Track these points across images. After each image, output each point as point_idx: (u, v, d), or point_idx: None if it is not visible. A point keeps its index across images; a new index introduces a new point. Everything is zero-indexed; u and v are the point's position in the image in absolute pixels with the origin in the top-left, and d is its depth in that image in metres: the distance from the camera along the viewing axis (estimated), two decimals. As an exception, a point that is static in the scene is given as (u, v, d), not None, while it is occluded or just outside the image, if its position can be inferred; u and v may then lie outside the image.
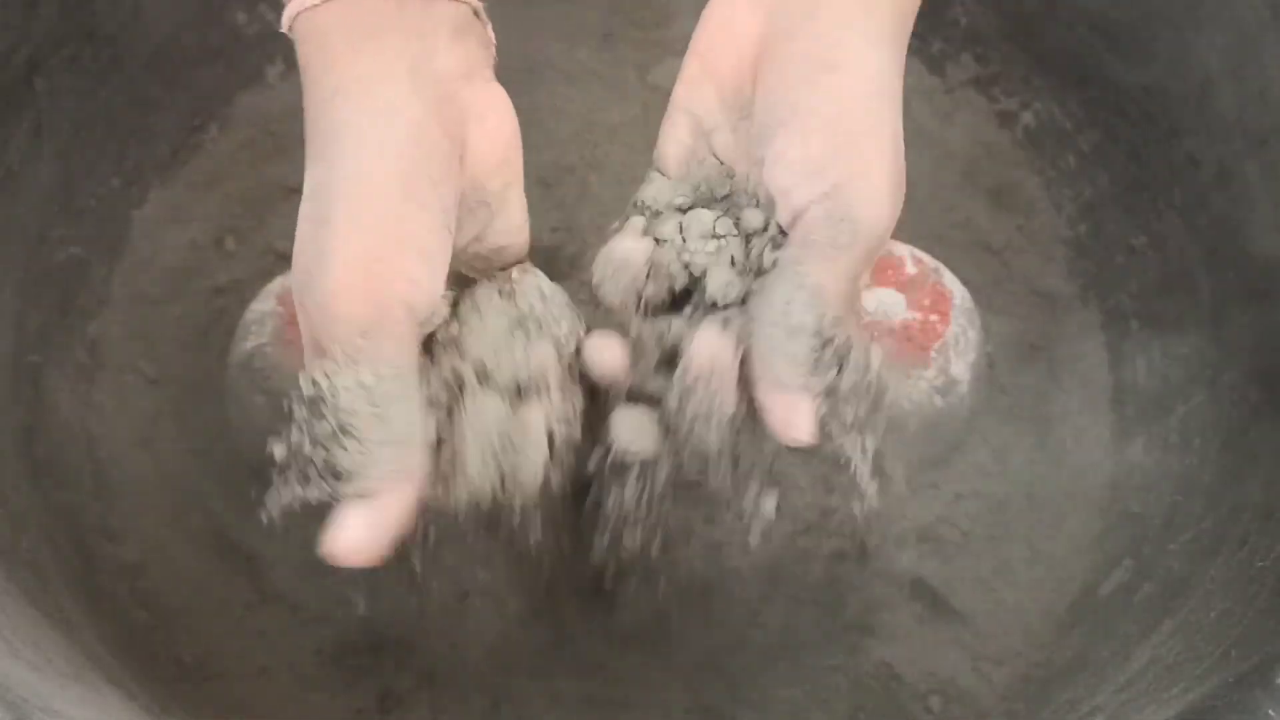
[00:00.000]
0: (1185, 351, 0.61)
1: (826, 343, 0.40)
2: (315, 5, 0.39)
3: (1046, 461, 0.64)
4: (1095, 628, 0.58)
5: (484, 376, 0.42)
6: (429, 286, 0.39)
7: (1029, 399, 0.66)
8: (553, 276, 0.67)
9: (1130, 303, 0.65)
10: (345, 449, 0.37)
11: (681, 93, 0.43)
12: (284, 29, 0.41)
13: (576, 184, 0.70)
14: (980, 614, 0.61)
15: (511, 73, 0.72)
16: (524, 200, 0.44)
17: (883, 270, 0.62)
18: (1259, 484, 0.53)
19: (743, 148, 0.43)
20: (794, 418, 0.40)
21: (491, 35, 0.43)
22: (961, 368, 0.60)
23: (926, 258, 0.63)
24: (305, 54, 0.40)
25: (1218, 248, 0.60)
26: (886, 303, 0.61)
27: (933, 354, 0.60)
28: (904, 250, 0.62)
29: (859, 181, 0.38)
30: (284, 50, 0.70)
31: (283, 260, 0.68)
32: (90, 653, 0.51)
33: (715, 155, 0.43)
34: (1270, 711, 0.39)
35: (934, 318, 0.60)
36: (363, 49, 0.39)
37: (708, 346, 0.41)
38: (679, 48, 0.73)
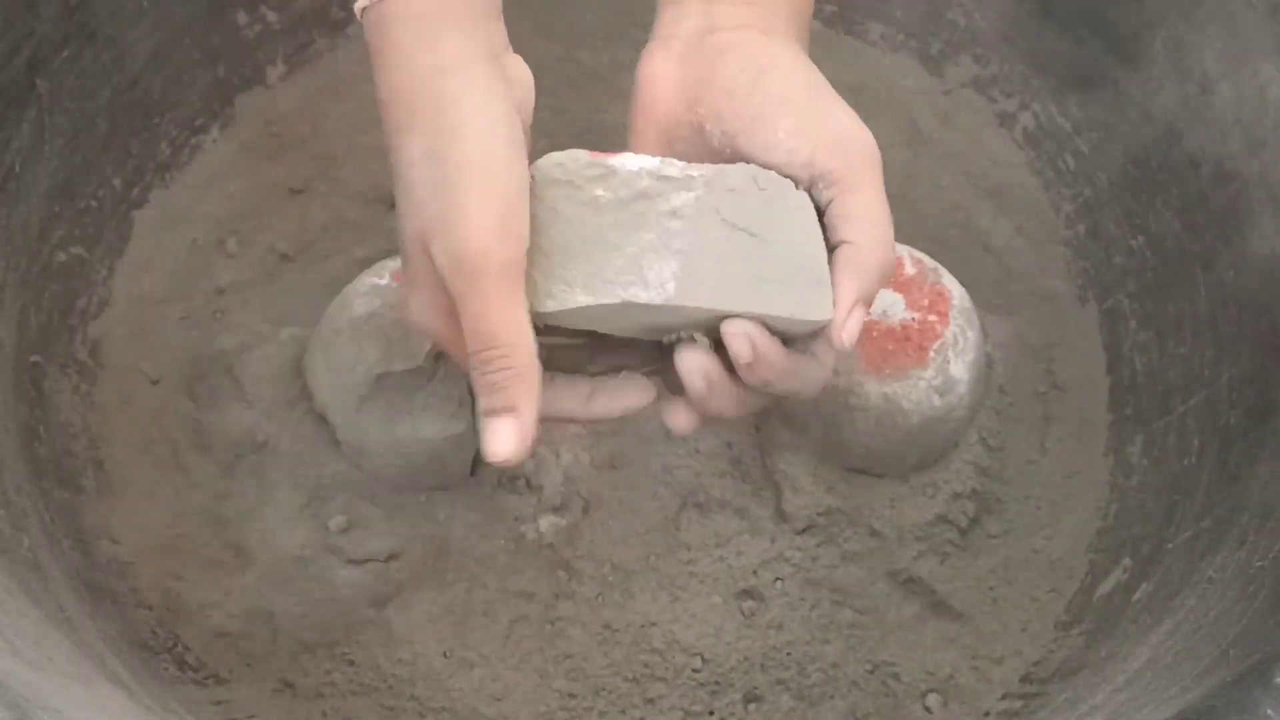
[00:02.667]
0: (1184, 351, 0.62)
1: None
2: None
3: (1046, 461, 0.64)
4: (1094, 627, 0.58)
5: None
6: (524, 214, 0.46)
7: (1029, 399, 0.66)
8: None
9: (1130, 303, 0.65)
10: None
11: (633, 143, 0.51)
12: (358, 12, 0.47)
13: (576, 184, 0.70)
14: (979, 614, 0.61)
15: (511, 73, 0.73)
16: None
17: (882, 270, 0.62)
18: (1258, 484, 0.53)
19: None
20: (852, 326, 0.46)
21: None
22: (961, 368, 0.60)
23: (926, 258, 0.63)
24: (394, 35, 0.46)
25: (1217, 248, 0.60)
26: (886, 303, 0.61)
27: (932, 354, 0.60)
28: (903, 250, 0.63)
29: (831, 120, 0.48)
30: (284, 51, 0.70)
31: (283, 260, 0.68)
32: (91, 652, 0.51)
33: None
34: (1269, 711, 0.39)
35: (933, 318, 0.61)
36: (452, 33, 0.46)
37: (694, 366, 0.48)
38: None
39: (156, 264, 0.66)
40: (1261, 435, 0.54)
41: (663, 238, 0.45)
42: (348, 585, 0.60)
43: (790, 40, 0.50)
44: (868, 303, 0.47)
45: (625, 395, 0.50)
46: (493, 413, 0.45)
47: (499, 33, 0.48)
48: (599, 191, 0.46)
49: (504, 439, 0.45)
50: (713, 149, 0.49)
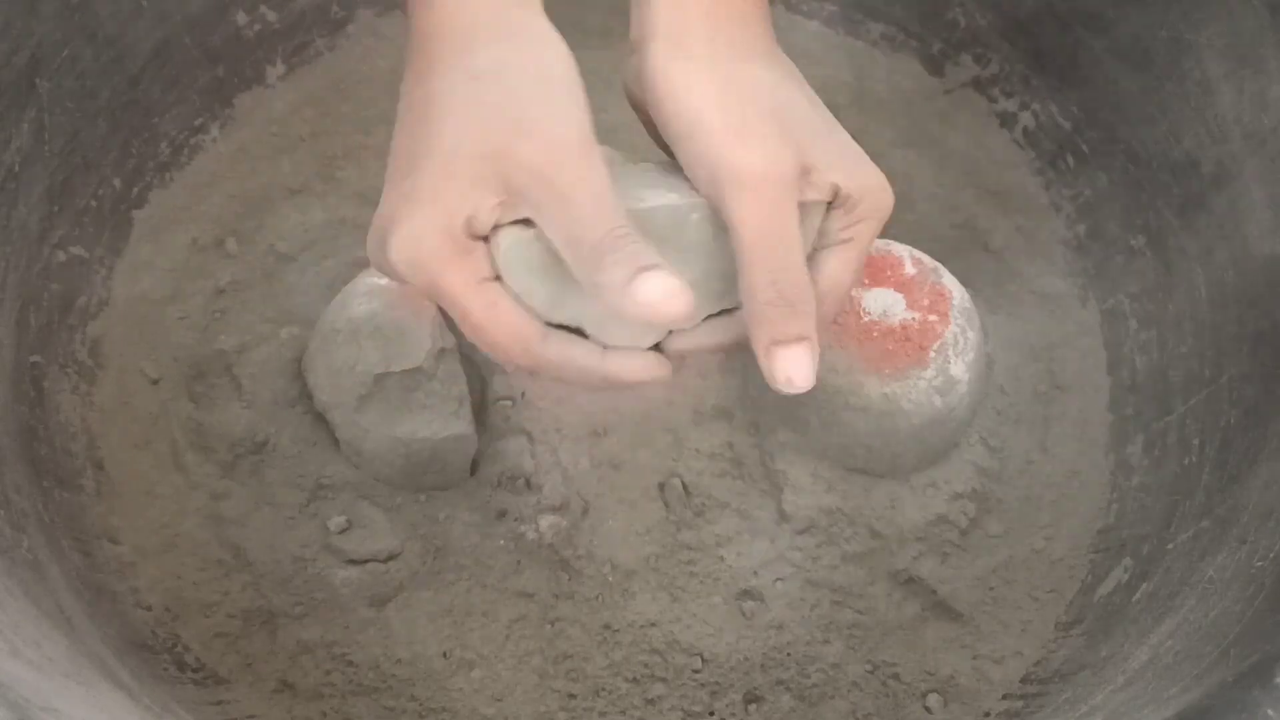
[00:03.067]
0: (1184, 351, 0.62)
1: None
2: None
3: (1046, 461, 0.64)
4: (1094, 627, 0.58)
5: None
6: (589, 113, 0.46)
7: (1029, 399, 0.66)
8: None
9: (1130, 303, 0.65)
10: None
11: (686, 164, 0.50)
12: None
13: (576, 184, 0.70)
14: (980, 614, 0.61)
15: (511, 73, 0.73)
16: None
17: (882, 270, 0.62)
18: (1258, 484, 0.53)
19: None
20: (803, 367, 0.45)
21: None
22: (961, 368, 0.60)
23: (926, 258, 0.63)
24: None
25: (1217, 248, 0.60)
26: (886, 303, 0.61)
27: (932, 354, 0.60)
28: (903, 250, 0.63)
29: (733, 155, 0.46)
30: (284, 51, 0.70)
31: (283, 260, 0.68)
32: (91, 652, 0.51)
33: None
34: (1269, 711, 0.39)
35: (933, 318, 0.61)
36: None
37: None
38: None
39: (156, 264, 0.66)
40: (1261, 435, 0.54)
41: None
42: (347, 585, 0.60)
43: (754, 51, 0.50)
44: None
45: (642, 362, 0.49)
46: (640, 271, 0.42)
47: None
48: None
49: (664, 281, 0.42)
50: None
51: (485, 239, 0.46)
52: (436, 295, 0.45)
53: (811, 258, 0.50)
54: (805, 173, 0.47)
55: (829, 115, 0.51)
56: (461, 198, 0.44)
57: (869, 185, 0.49)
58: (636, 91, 0.51)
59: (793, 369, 0.45)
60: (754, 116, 0.47)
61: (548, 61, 0.45)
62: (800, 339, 0.45)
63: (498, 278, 0.46)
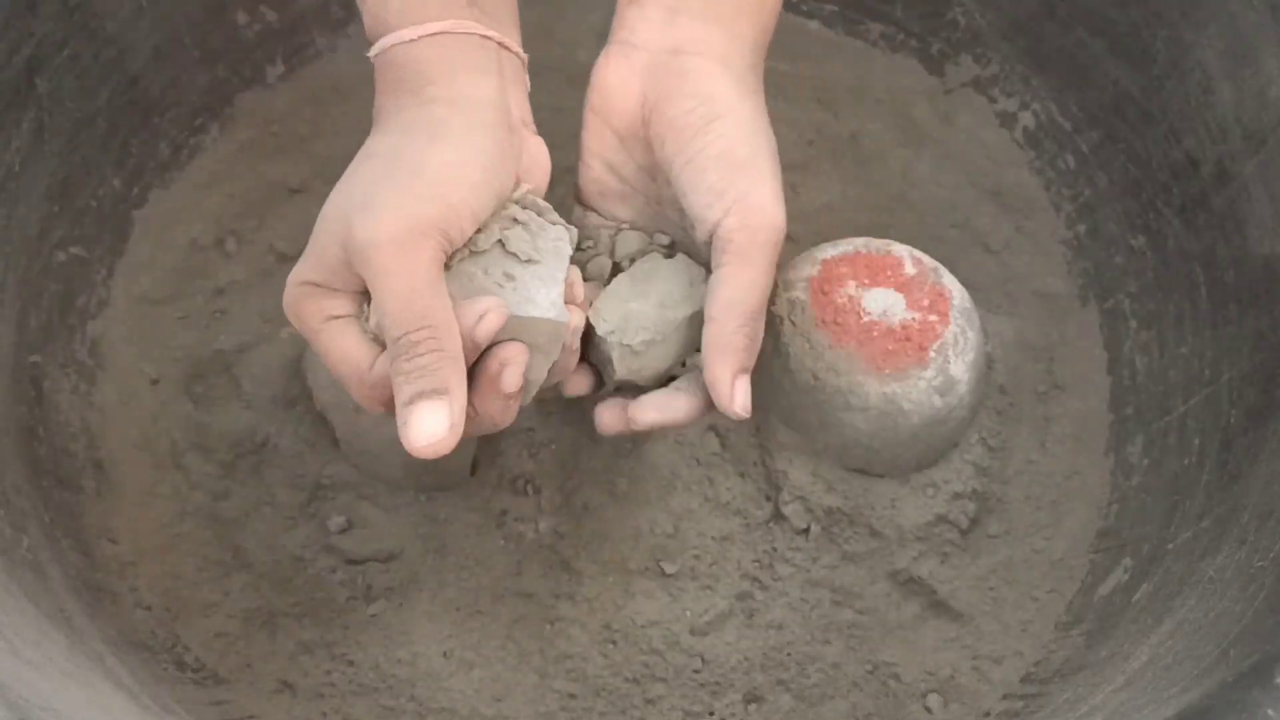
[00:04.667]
0: (1184, 351, 0.62)
1: (754, 327, 0.50)
2: (412, 40, 0.49)
3: (1046, 461, 0.64)
4: (1094, 627, 0.58)
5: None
6: (466, 233, 0.48)
7: (1029, 399, 0.66)
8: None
9: (1130, 303, 0.65)
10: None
11: (588, 140, 0.54)
12: (371, 55, 0.50)
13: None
14: (980, 614, 0.61)
15: (511, 73, 0.73)
16: None
17: (882, 270, 0.62)
18: (1258, 484, 0.53)
19: (643, 181, 0.54)
20: (737, 395, 0.50)
21: (528, 84, 0.54)
22: (961, 368, 0.60)
23: (926, 258, 0.63)
24: (397, 76, 0.50)
25: (1217, 248, 0.60)
26: (886, 303, 0.61)
27: (932, 354, 0.60)
28: (903, 250, 0.63)
29: (751, 196, 0.49)
30: (284, 51, 0.70)
31: (284, 260, 0.68)
32: (91, 652, 0.51)
33: (627, 183, 0.55)
34: (1269, 711, 0.39)
35: (933, 318, 0.60)
36: (463, 75, 0.49)
37: (609, 419, 0.53)
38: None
39: (156, 264, 0.66)
40: (1261, 435, 0.54)
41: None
42: (348, 585, 0.60)
43: (746, 78, 0.52)
44: (745, 370, 0.50)
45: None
46: (420, 396, 0.43)
47: (515, 98, 0.52)
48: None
49: (435, 420, 0.43)
50: (655, 166, 0.53)
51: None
52: (300, 332, 0.49)
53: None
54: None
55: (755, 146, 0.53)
56: (317, 256, 0.47)
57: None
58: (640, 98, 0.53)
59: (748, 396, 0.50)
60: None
61: (434, 155, 0.47)
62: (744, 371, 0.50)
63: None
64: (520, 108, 0.52)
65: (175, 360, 0.65)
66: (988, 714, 0.59)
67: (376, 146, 0.49)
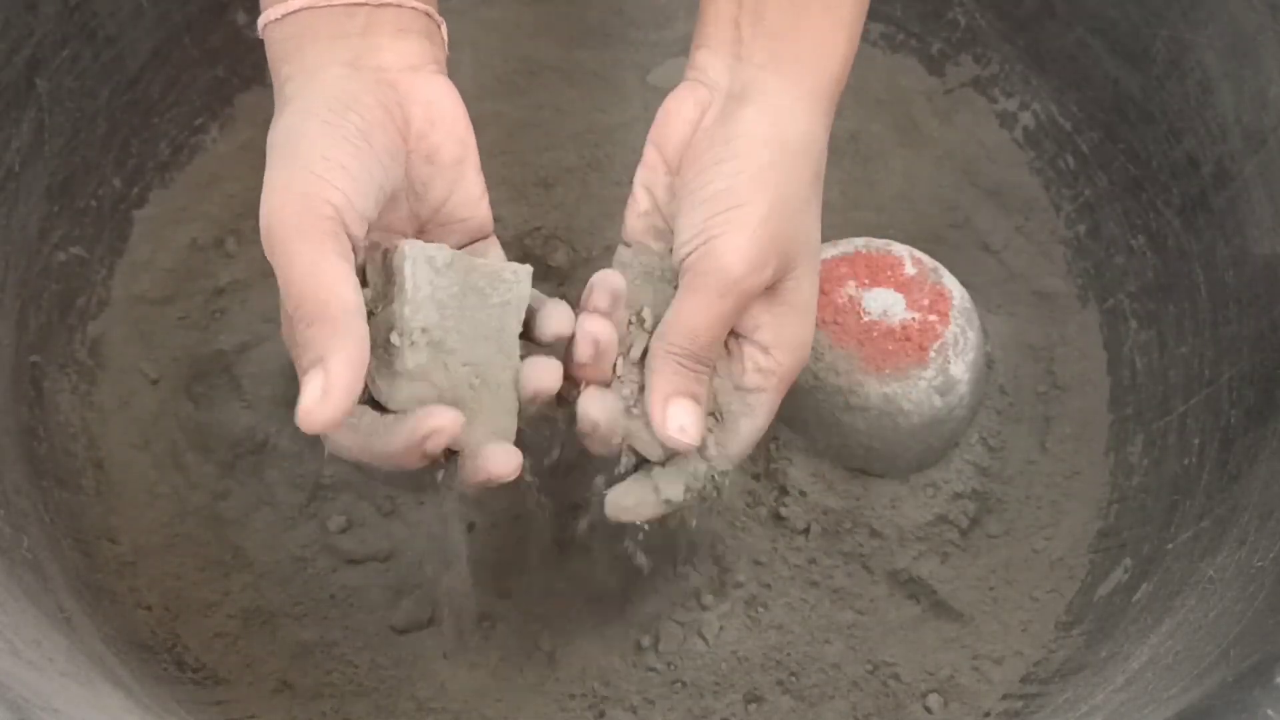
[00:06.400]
0: (1184, 351, 0.62)
1: (702, 363, 0.49)
2: (278, 19, 0.49)
3: (1046, 461, 0.64)
4: (1094, 627, 0.58)
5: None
6: (352, 193, 0.46)
7: (1029, 399, 0.66)
8: (549, 274, 0.67)
9: (1129, 303, 0.65)
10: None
11: (641, 175, 0.52)
12: (259, 34, 0.50)
13: (576, 184, 0.70)
14: (980, 614, 0.61)
15: (512, 73, 0.73)
16: (481, 177, 0.51)
17: (882, 270, 0.62)
18: (1258, 484, 0.53)
19: None
20: (669, 419, 0.48)
21: (444, 35, 0.52)
22: (961, 368, 0.60)
23: (926, 258, 0.63)
24: (271, 54, 0.50)
25: (1217, 248, 0.60)
26: (886, 303, 0.61)
27: (932, 354, 0.60)
28: (904, 250, 0.63)
29: (723, 240, 0.47)
30: (284, 50, 0.70)
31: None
32: (91, 652, 0.51)
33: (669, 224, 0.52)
34: (1269, 711, 0.39)
35: (933, 318, 0.61)
36: (311, 48, 0.48)
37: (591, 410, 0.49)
38: (679, 49, 0.73)
39: (156, 264, 0.66)
40: (1261, 435, 0.54)
41: None
42: (347, 585, 0.60)
43: (792, 130, 0.50)
44: (679, 394, 0.48)
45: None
46: (302, 373, 0.43)
47: (393, 49, 0.49)
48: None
49: (309, 393, 0.42)
50: None
51: None
52: None
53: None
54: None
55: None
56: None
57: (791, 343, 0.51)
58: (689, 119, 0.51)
59: (686, 420, 0.48)
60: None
61: (279, 129, 0.47)
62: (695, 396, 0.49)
63: None
64: (404, 56, 0.49)
65: (175, 360, 0.65)
66: (988, 714, 0.59)
67: (279, 122, 0.48)
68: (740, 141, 0.49)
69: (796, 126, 0.50)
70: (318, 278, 0.43)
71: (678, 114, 0.51)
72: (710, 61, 0.51)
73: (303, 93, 0.48)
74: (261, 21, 0.49)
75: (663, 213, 0.51)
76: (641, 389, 0.50)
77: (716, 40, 0.51)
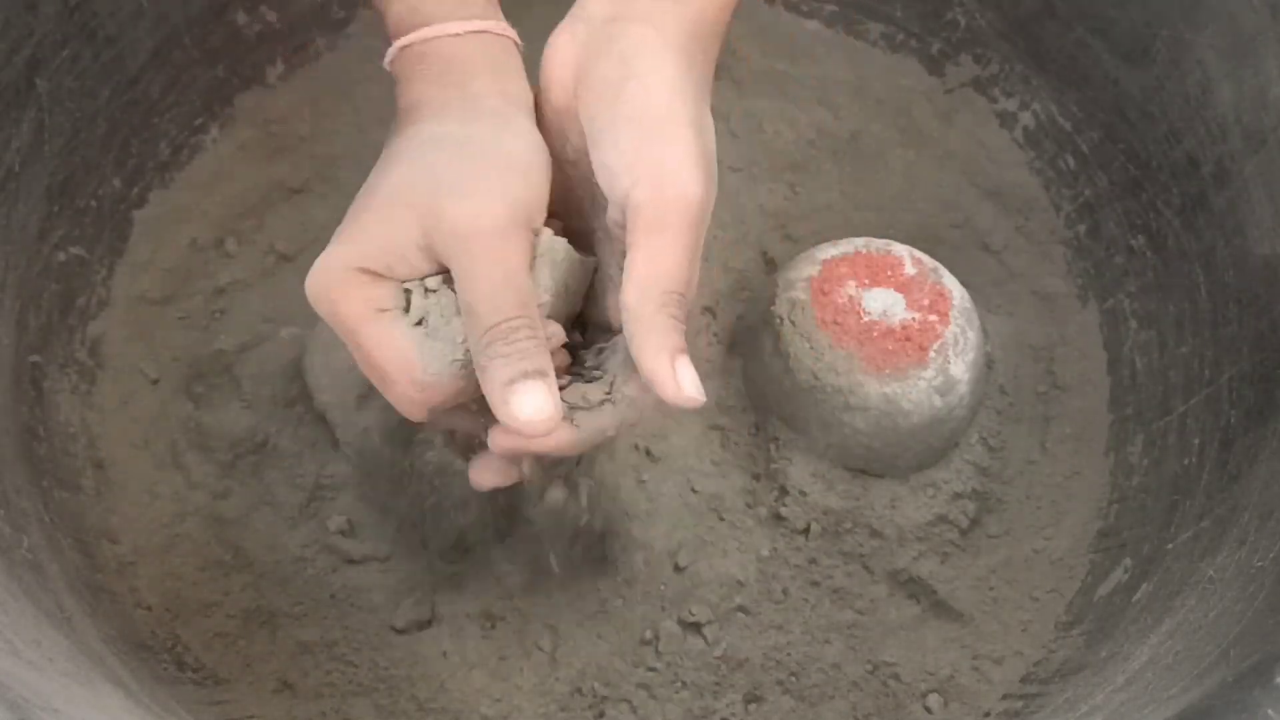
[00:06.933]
0: (1184, 351, 0.62)
1: (679, 306, 0.45)
2: (457, 35, 0.49)
3: (1046, 461, 0.64)
4: (1094, 627, 0.58)
5: None
6: (539, 225, 0.47)
7: (1029, 399, 0.66)
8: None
9: (1129, 303, 0.65)
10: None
11: (540, 125, 0.50)
12: (404, 44, 0.50)
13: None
14: (980, 614, 0.61)
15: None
16: None
17: (882, 270, 0.62)
18: (1258, 484, 0.53)
19: (583, 169, 0.49)
20: (683, 381, 0.44)
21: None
22: (961, 368, 0.60)
23: (926, 258, 0.63)
24: (441, 69, 0.49)
25: (1217, 248, 0.60)
26: (886, 303, 0.61)
27: (932, 354, 0.60)
28: (904, 250, 0.63)
29: (664, 162, 0.45)
30: (284, 51, 0.70)
31: (283, 260, 0.68)
32: (91, 652, 0.51)
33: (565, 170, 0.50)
34: (1270, 711, 0.39)
35: (933, 318, 0.61)
36: (504, 75, 0.50)
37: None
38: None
39: (156, 264, 0.66)
40: (1261, 435, 0.54)
41: None
42: (347, 585, 0.60)
43: (685, 48, 0.48)
44: (681, 350, 0.45)
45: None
46: (524, 376, 0.43)
47: (520, 85, 0.51)
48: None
49: (539, 398, 0.43)
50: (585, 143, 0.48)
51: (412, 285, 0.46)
52: (335, 324, 0.45)
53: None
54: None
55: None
56: (381, 238, 0.45)
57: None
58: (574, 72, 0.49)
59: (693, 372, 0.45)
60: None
61: (509, 145, 0.47)
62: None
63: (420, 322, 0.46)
64: (525, 93, 0.51)
65: (175, 360, 0.65)
66: (988, 714, 0.59)
67: (434, 132, 0.47)
68: (640, 61, 0.46)
69: (686, 39, 0.48)
70: (526, 285, 0.44)
71: (557, 54, 0.49)
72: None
73: (507, 109, 0.48)
74: (429, 34, 0.49)
75: (559, 160, 0.49)
76: (583, 373, 0.48)
77: None
